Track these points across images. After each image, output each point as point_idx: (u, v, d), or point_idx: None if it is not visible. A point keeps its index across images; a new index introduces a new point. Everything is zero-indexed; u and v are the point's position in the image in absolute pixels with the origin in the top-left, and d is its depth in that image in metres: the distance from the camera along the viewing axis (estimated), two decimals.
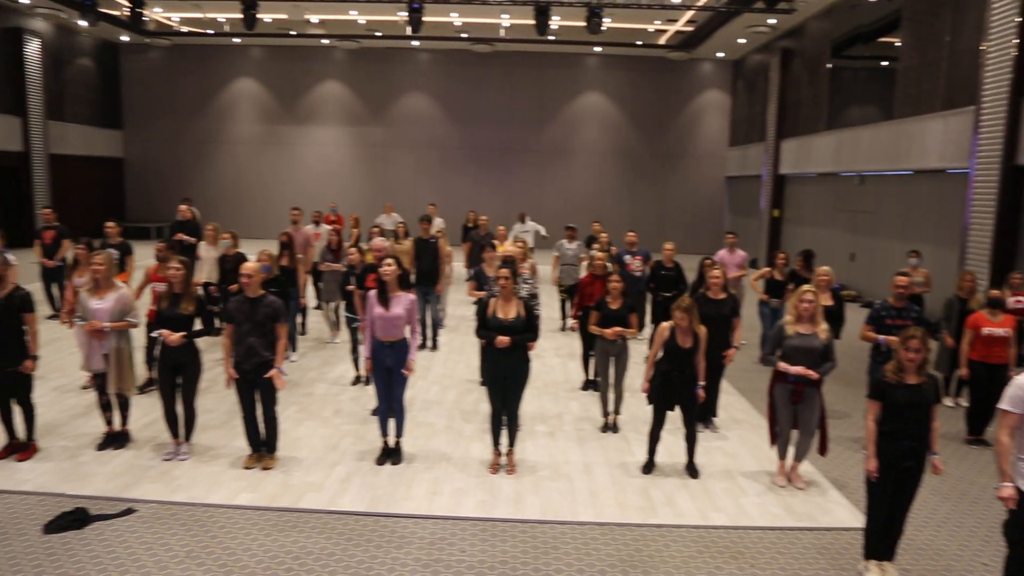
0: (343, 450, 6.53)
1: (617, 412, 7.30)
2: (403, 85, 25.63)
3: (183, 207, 12.28)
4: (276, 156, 25.89)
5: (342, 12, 21.18)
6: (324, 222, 13.55)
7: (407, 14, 15.97)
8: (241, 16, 17.00)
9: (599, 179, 25.97)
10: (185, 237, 11.71)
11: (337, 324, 10.33)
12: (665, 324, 6.11)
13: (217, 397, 7.88)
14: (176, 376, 6.09)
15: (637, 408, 7.86)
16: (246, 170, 25.94)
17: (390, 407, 6.15)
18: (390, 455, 6.24)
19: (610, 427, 7.26)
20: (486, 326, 5.85)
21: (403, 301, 5.90)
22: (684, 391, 6.04)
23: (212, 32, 24.07)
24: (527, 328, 5.86)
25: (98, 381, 6.32)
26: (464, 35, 23.47)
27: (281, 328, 5.85)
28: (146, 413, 7.18)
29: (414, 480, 5.93)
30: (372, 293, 5.93)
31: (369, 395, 7.95)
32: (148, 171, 26.05)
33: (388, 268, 5.83)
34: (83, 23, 20.44)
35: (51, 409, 7.36)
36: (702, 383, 6.11)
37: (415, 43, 24.46)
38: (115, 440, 6.46)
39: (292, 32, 23.67)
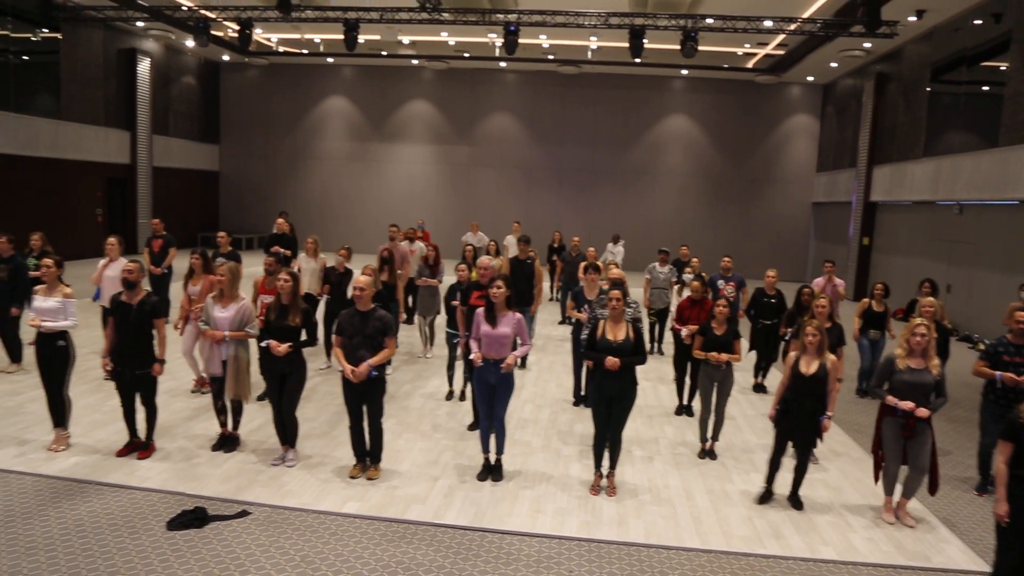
0: (444, 464, 6.65)
1: (715, 439, 7.22)
2: (489, 105, 26.05)
3: (280, 220, 12.68)
4: (363, 172, 26.63)
5: (433, 33, 21.70)
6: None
7: (503, 37, 16.25)
8: (337, 37, 17.62)
9: (682, 202, 25.77)
10: (281, 250, 12.10)
11: (431, 339, 10.52)
12: (792, 352, 6.05)
13: (318, 407, 8.12)
14: (282, 385, 6.30)
15: (735, 435, 7.74)
16: (334, 185, 26.74)
17: (491, 424, 6.24)
18: (491, 471, 6.32)
19: (708, 453, 7.17)
20: (594, 347, 5.89)
21: (510, 320, 6.00)
22: (802, 421, 5.91)
23: (307, 52, 24.99)
24: (635, 351, 5.88)
25: (215, 386, 6.62)
26: (551, 57, 23.72)
27: (390, 341, 6.01)
28: (252, 419, 7.45)
29: (516, 498, 5.99)
30: (480, 311, 6.05)
31: (464, 410, 8.08)
32: (242, 184, 27.16)
33: (498, 291, 5.93)
34: (190, 44, 21.59)
35: (164, 411, 7.67)
36: (829, 413, 5.97)
37: (502, 64, 24.85)
38: (227, 443, 6.73)
39: (383, 52, 24.36)
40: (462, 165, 26.27)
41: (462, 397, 8.54)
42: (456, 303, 7.64)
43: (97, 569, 4.73)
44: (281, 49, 25.05)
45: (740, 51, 22.16)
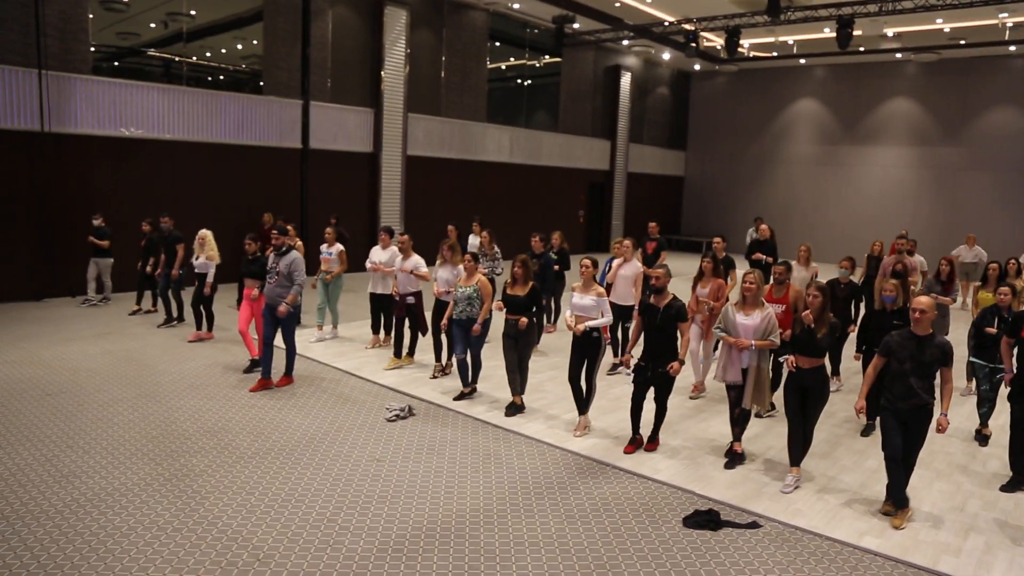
0: (973, 514, 5.84)
1: None
2: (987, 97, 22.58)
3: (763, 227, 12.56)
4: (831, 177, 25.22)
5: (927, 22, 19.50)
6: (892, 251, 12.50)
7: None
8: (811, 37, 16.84)
9: None
10: (763, 256, 11.96)
11: None
12: None
13: (817, 425, 7.76)
14: (804, 400, 6.12)
15: None
16: (798, 190, 25.84)
17: None
18: None
19: None
20: None
21: None
22: None
23: (777, 55, 24.49)
24: None
25: (733, 394, 6.66)
26: None
27: (947, 372, 5.45)
28: (751, 427, 7.36)
29: None
30: None
31: (988, 455, 7.02)
32: (704, 189, 27.90)
33: None
34: (666, 56, 22.83)
35: None
36: None
37: (1012, 47, 21.27)
38: (730, 453, 6.76)
39: (861, 48, 22.70)
40: (947, 168, 23.21)
41: (984, 440, 7.43)
42: (992, 330, 6.63)
43: (627, 550, 5.14)
44: (751, 55, 24.97)
45: None
